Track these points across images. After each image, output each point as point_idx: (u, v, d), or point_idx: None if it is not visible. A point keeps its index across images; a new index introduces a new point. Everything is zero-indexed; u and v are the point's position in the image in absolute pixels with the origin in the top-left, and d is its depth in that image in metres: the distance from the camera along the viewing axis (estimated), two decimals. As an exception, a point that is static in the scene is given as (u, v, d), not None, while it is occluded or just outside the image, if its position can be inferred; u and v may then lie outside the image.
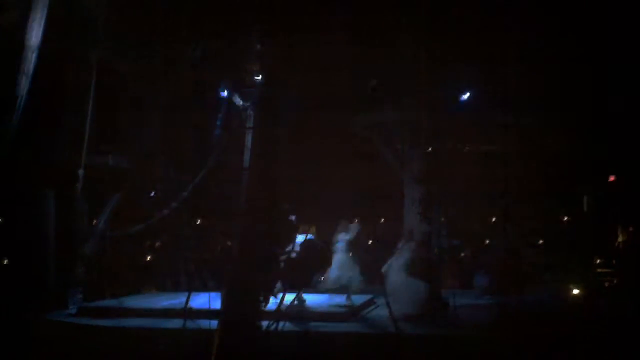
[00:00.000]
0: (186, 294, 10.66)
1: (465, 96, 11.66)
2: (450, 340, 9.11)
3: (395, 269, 10.95)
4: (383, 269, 11.03)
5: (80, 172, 11.41)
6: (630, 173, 12.16)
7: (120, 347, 9.59)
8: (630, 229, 11.69)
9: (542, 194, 12.60)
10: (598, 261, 11.65)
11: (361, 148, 13.80)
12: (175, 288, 13.90)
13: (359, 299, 11.42)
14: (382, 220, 15.89)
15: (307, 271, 11.64)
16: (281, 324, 9.44)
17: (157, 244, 14.95)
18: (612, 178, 11.99)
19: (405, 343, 9.14)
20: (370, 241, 15.48)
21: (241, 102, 11.38)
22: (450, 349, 8.86)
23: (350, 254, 11.33)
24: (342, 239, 11.34)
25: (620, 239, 11.72)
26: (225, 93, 12.12)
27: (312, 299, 11.42)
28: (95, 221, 13.45)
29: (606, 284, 11.33)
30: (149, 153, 14.09)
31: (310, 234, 12.14)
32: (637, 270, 11.11)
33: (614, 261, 11.50)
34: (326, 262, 11.39)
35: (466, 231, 14.39)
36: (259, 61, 9.74)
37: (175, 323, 10.03)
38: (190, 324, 9.89)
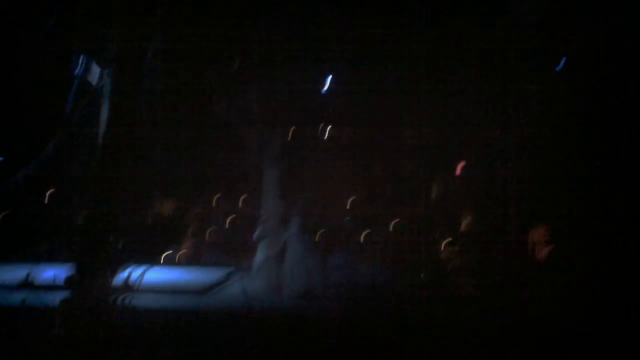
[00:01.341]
0: (31, 265, 10.25)
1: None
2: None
3: (266, 246, 11.13)
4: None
5: None
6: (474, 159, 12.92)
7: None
8: (471, 213, 12.60)
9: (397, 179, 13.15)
10: (445, 244, 12.44)
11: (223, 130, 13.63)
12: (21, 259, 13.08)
13: (216, 273, 11.41)
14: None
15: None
16: (131, 298, 9.22)
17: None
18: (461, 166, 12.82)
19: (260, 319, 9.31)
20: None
21: (95, 81, 10.82)
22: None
23: None
24: None
25: (464, 222, 12.61)
26: (79, 69, 11.26)
27: (165, 274, 11.22)
28: None
29: (450, 266, 12.14)
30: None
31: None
32: (476, 252, 12.00)
33: (456, 245, 12.34)
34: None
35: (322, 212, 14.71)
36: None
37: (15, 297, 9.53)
38: (31, 298, 9.39)
